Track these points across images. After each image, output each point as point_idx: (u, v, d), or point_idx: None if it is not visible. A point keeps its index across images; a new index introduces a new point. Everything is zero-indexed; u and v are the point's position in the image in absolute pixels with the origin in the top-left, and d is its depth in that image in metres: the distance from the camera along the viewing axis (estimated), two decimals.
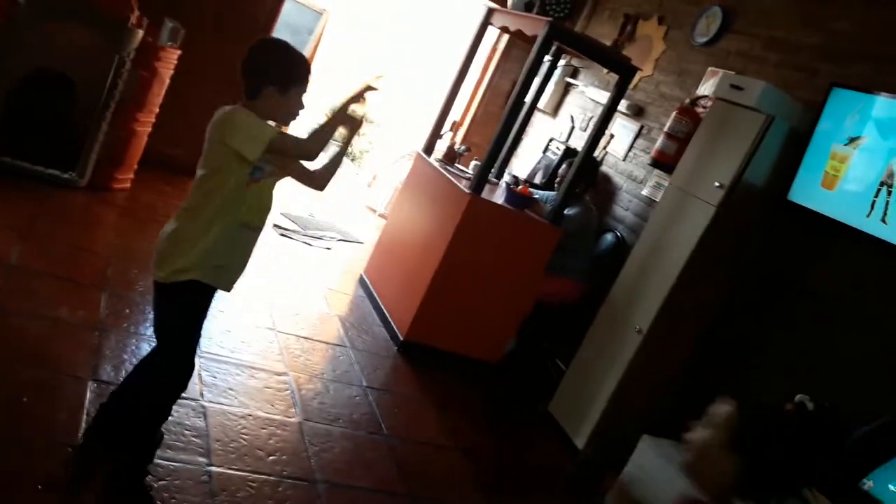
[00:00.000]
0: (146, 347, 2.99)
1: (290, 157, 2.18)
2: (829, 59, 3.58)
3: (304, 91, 2.15)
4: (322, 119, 2.20)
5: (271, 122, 2.12)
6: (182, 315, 2.19)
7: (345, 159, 2.36)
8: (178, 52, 4.52)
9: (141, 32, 4.14)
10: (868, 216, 2.95)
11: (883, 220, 2.88)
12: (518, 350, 4.50)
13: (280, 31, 5.95)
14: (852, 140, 3.12)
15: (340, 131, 2.28)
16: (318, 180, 2.33)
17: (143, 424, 2.25)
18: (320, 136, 2.12)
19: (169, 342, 2.22)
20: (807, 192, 3.27)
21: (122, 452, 2.23)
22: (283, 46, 2.14)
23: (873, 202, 2.94)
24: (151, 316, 2.28)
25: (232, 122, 2.03)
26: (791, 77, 3.74)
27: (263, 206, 2.21)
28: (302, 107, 2.17)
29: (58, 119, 4.55)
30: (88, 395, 2.54)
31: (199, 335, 2.27)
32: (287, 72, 2.09)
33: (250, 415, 2.86)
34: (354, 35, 8.51)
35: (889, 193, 2.88)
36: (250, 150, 2.00)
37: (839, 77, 3.40)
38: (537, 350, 4.69)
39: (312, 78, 2.17)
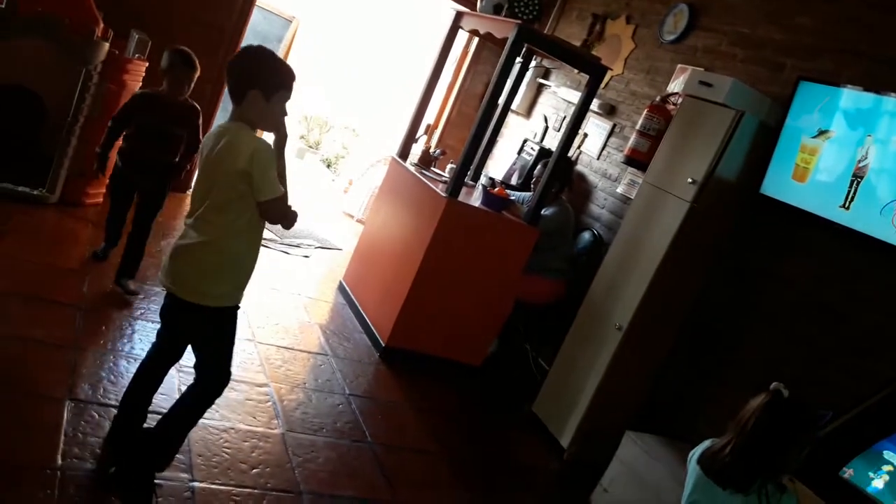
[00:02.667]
0: (124, 364, 2.96)
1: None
2: (795, 54, 3.63)
3: (288, 98, 2.18)
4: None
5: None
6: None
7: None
8: (146, 63, 4.47)
9: (107, 45, 4.09)
10: (841, 206, 3.00)
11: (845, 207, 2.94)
12: (500, 351, 4.51)
13: (249, 40, 5.92)
14: (821, 132, 3.17)
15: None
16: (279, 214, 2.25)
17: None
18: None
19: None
20: (778, 185, 3.31)
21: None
22: (268, 54, 2.16)
23: (847, 192, 2.99)
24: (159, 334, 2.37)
25: (258, 159, 2.07)
26: (758, 72, 3.79)
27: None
28: (285, 114, 2.19)
29: (26, 135, 4.48)
30: (66, 415, 2.51)
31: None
32: (270, 76, 2.12)
33: (232, 428, 2.84)
34: (325, 42, 8.47)
35: (857, 184, 2.93)
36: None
37: (805, 71, 3.46)
38: (519, 351, 4.70)
39: (296, 87, 2.21)
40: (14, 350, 2.77)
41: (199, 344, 2.29)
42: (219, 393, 2.35)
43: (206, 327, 2.25)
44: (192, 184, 2.27)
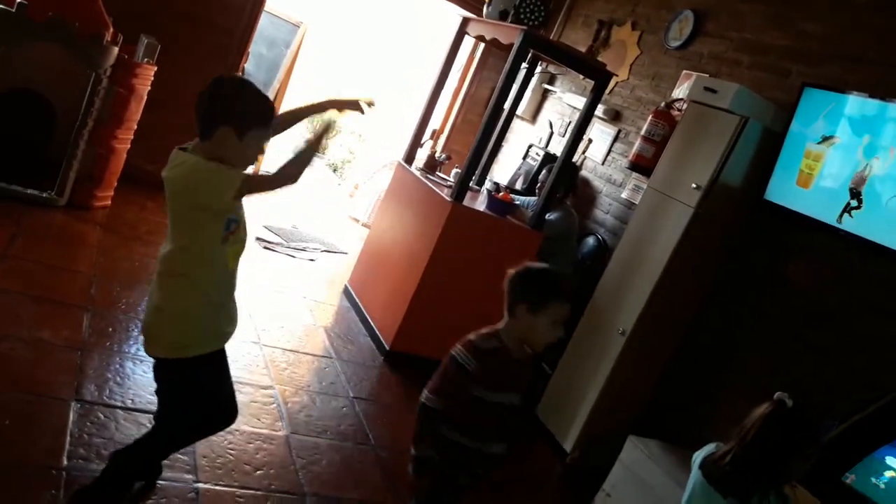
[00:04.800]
0: (130, 365, 2.98)
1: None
2: (800, 60, 3.64)
3: (265, 138, 1.94)
4: (302, 140, 1.96)
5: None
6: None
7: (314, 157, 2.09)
8: (155, 68, 4.51)
9: (116, 49, 4.12)
10: (845, 213, 3.00)
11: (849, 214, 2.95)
12: None
13: (257, 45, 5.96)
14: (826, 139, 3.17)
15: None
16: (285, 178, 1.95)
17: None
18: (301, 161, 1.92)
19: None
20: (783, 191, 3.32)
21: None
22: (245, 84, 1.89)
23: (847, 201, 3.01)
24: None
25: (195, 186, 1.84)
26: (764, 78, 3.80)
27: (242, 247, 2.08)
28: (261, 152, 1.95)
29: (35, 138, 4.53)
30: (72, 416, 2.53)
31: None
32: (248, 111, 1.86)
33: (237, 430, 2.85)
34: (333, 47, 8.52)
35: (861, 191, 2.93)
36: (221, 205, 1.87)
37: (810, 77, 3.46)
38: None
39: (274, 122, 1.97)
40: (21, 350, 2.79)
41: None
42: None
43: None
44: None
